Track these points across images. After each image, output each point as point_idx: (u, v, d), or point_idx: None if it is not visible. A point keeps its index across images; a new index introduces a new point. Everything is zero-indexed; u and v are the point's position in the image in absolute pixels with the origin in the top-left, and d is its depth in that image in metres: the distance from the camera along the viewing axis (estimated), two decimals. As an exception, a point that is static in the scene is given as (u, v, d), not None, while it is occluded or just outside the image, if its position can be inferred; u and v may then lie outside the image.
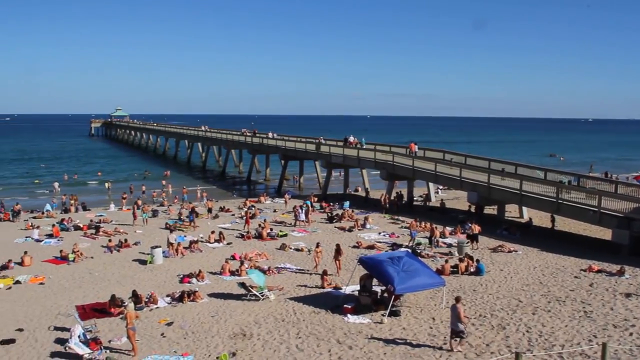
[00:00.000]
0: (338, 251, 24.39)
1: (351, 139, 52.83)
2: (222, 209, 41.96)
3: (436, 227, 30.90)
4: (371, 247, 29.27)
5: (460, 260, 24.71)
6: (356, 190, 53.35)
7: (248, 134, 70.90)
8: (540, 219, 36.24)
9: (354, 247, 29.18)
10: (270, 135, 66.47)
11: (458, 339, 15.67)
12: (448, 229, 32.36)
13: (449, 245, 29.34)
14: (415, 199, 44.69)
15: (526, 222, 35.59)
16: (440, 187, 49.62)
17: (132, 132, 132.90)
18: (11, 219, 39.35)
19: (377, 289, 20.42)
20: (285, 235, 32.77)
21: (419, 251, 27.47)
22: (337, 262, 24.26)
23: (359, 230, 33.98)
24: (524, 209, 37.47)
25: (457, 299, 16.04)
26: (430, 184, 45.19)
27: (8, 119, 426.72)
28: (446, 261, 24.97)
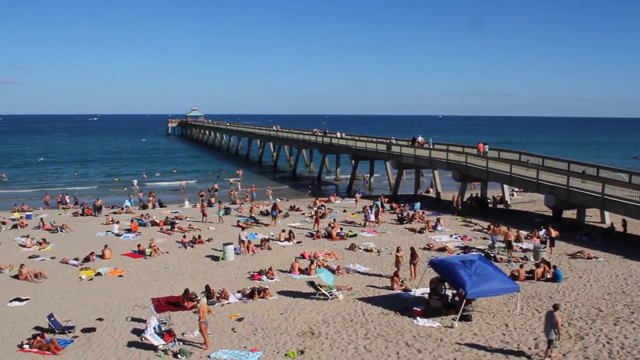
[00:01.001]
0: (413, 255, 23.62)
1: (420, 139, 52.15)
2: (292, 208, 42.38)
3: (511, 231, 30.01)
4: (442, 249, 28.75)
5: (537, 265, 23.81)
6: (427, 192, 52.59)
7: (319, 133, 71.31)
8: (617, 223, 34.42)
9: (425, 249, 28.74)
10: (338, 135, 66.58)
11: (549, 348, 15.04)
12: (523, 232, 31.32)
13: (524, 250, 28.37)
14: (489, 200, 43.55)
15: (608, 227, 33.84)
16: (516, 189, 48.10)
17: (207, 132, 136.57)
18: (93, 213, 41.38)
19: (448, 292, 20.01)
20: (355, 235, 32.71)
21: (492, 255, 26.73)
22: (412, 266, 23.54)
23: (429, 232, 33.46)
24: (606, 213, 35.68)
25: (555, 307, 15.35)
26: (505, 186, 43.90)
27: (96, 118, 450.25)
28: (521, 266, 24.11)
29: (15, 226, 36.99)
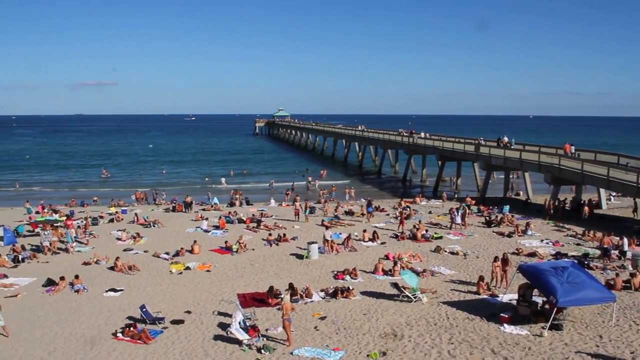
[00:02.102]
0: (505, 261, 22.43)
1: (505, 139, 50.36)
2: (376, 209, 42.10)
3: (607, 237, 28.33)
4: (532, 254, 27.56)
5: (633, 274, 22.30)
6: (517, 194, 50.66)
7: (405, 134, 70.54)
8: None
9: (514, 254, 27.62)
10: (422, 135, 65.57)
11: None
12: (615, 239, 29.39)
13: (621, 258, 26.65)
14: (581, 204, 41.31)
15: None
16: (613, 193, 45.39)
17: (293, 132, 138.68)
18: (184, 210, 43.00)
19: (538, 299, 19.13)
20: (441, 237, 32.02)
21: (586, 262, 25.31)
22: (504, 273, 22.29)
23: (519, 236, 32.18)
24: None
25: None
26: (602, 190, 41.49)
27: (193, 118, 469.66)
28: (617, 275, 22.66)
29: (112, 220, 39.13)
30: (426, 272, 24.63)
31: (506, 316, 18.28)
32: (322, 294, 21.77)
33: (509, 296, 20.28)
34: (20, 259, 27.96)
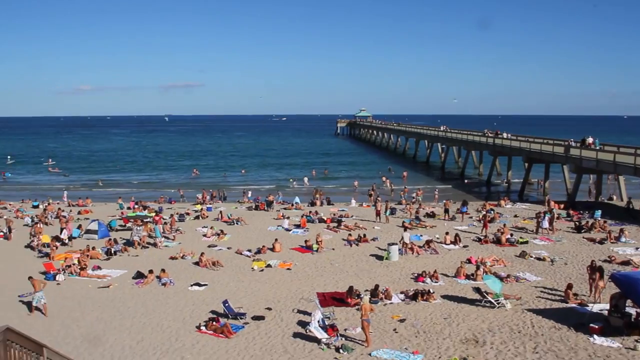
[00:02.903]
0: (596, 269, 20.97)
1: (589, 139, 47.70)
2: (459, 211, 41.15)
3: None
4: (626, 263, 25.98)
5: None
6: (610, 199, 47.97)
7: (490, 134, 68.52)
8: None
9: (605, 261, 26.14)
10: (504, 135, 63.42)
11: None
12: None
13: None
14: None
15: None
16: None
17: (374, 132, 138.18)
18: (266, 208, 43.83)
19: (631, 310, 18.00)
20: (526, 242, 30.83)
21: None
22: (592, 281, 20.91)
23: (611, 243, 30.45)
24: None
25: None
26: None
27: (285, 118, 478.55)
28: None
29: (197, 217, 40.50)
30: (510, 277, 23.80)
31: (596, 327, 17.32)
32: (402, 296, 21.52)
33: (600, 306, 19.24)
34: (112, 252, 29.51)
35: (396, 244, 28.44)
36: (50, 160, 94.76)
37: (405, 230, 31.35)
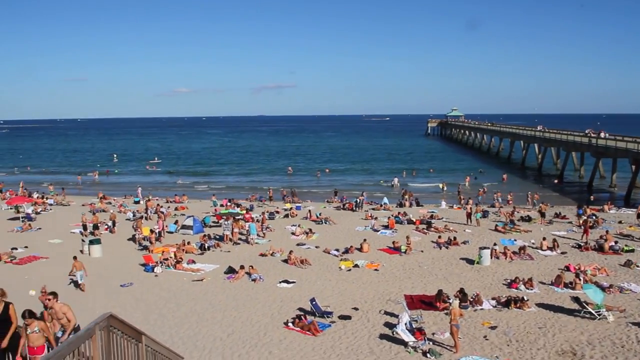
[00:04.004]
0: None
1: None
2: (557, 215, 39.22)
3: None
4: None
5: None
6: None
7: (593, 134, 64.79)
8: None
9: None
10: (602, 135, 59.66)
11: None
12: None
13: None
14: None
15: None
16: None
17: (466, 132, 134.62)
18: (354, 208, 43.79)
19: None
20: (632, 250, 28.78)
21: None
22: None
23: None
24: None
25: None
26: None
27: (387, 119, 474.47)
28: None
29: (287, 216, 41.14)
30: (613, 287, 22.32)
31: None
32: (494, 302, 20.75)
33: None
34: (206, 247, 30.57)
35: (488, 248, 27.50)
36: (156, 158, 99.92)
37: (495, 231, 30.17)
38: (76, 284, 23.82)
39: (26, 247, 31.45)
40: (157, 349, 11.85)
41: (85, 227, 35.15)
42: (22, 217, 39.88)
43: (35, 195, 50.89)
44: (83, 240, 31.33)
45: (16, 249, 30.67)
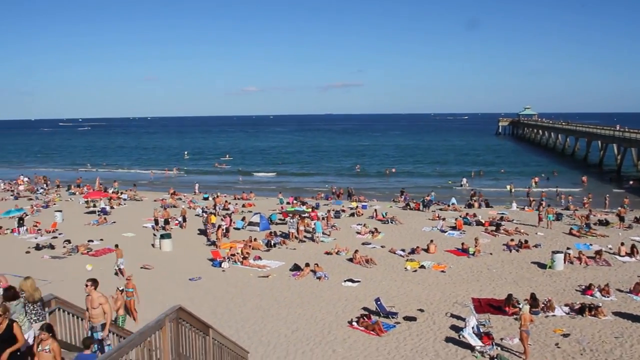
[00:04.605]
0: None
1: None
2: (637, 220, 37.19)
3: None
4: None
5: None
6: None
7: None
8: None
9: None
10: None
11: None
12: None
13: None
14: None
15: None
16: None
17: (540, 131, 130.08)
18: (421, 208, 43.16)
19: None
20: None
21: None
22: None
23: None
24: None
25: None
26: None
27: (466, 117, 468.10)
28: None
29: (352, 214, 41.06)
30: (699, 297, 20.97)
31: None
32: (566, 308, 19.94)
33: None
34: (272, 244, 30.95)
35: (561, 252, 26.45)
36: (227, 155, 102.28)
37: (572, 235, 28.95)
38: (117, 272, 25.07)
39: (101, 239, 32.87)
40: (224, 342, 12.08)
41: (156, 222, 36.38)
42: (98, 211, 41.71)
43: (110, 191, 53.12)
44: (154, 235, 32.48)
45: (92, 241, 32.10)
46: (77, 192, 54.34)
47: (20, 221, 36.35)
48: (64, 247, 30.68)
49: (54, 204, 47.44)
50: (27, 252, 30.17)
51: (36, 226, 35.83)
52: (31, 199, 50.26)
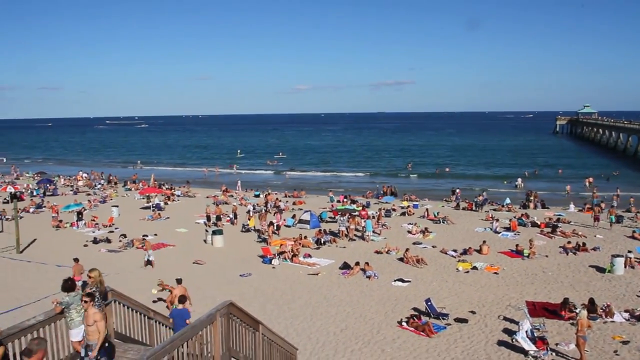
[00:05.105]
0: None
1: None
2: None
3: None
4: None
5: None
6: None
7: None
8: None
9: None
10: None
11: None
12: None
13: None
14: None
15: None
16: None
17: (600, 130, 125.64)
18: (474, 208, 42.35)
19: None
20: None
21: None
22: None
23: None
24: None
25: None
26: None
27: (530, 115, 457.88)
28: None
29: (403, 214, 40.66)
30: None
31: None
32: (626, 314, 19.14)
33: None
34: (322, 242, 30.98)
35: (622, 256, 25.42)
36: (280, 153, 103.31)
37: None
38: (146, 263, 26.68)
39: (155, 234, 33.72)
40: (273, 338, 12.14)
41: (208, 218, 37.04)
42: (152, 207, 42.80)
43: (164, 187, 54.43)
44: (206, 231, 33.06)
45: (147, 236, 32.93)
46: (133, 188, 55.99)
47: (79, 215, 37.73)
48: (120, 241, 31.64)
49: (111, 200, 48.99)
50: (85, 245, 31.25)
51: (94, 220, 37.13)
52: (89, 194, 52.06)
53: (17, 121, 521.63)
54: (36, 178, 65.42)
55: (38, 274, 25.57)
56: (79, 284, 10.48)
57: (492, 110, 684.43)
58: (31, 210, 42.84)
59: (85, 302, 8.99)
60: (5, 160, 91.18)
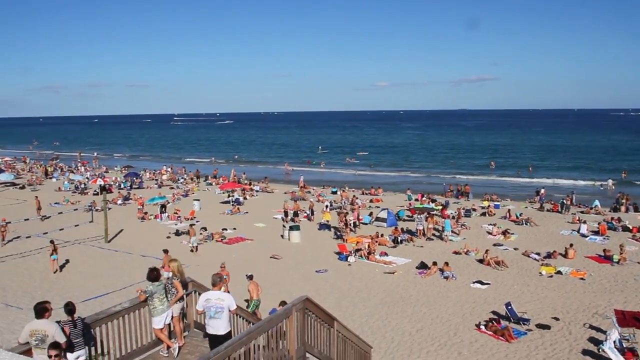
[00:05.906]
0: None
1: None
2: None
3: None
4: None
5: None
6: None
7: None
8: None
9: None
10: None
11: None
12: None
13: None
14: None
15: None
16: None
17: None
18: (560, 210, 40.53)
19: None
20: None
21: None
22: None
23: None
24: None
25: None
26: None
27: (627, 113, 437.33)
28: None
29: (484, 214, 39.52)
30: None
31: None
32: None
33: None
34: (399, 241, 30.67)
35: None
36: (362, 152, 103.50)
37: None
38: (192, 249, 28.82)
39: (234, 228, 34.56)
40: (348, 335, 12.11)
41: (286, 214, 37.55)
42: (232, 201, 43.86)
43: (244, 181, 55.72)
44: (284, 226, 33.50)
45: (226, 229, 33.82)
46: (214, 183, 57.64)
47: (163, 208, 39.31)
48: (201, 234, 32.61)
49: (193, 193, 50.66)
50: (168, 237, 32.48)
51: (176, 213, 38.55)
52: (172, 188, 54.05)
53: (109, 117, 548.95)
54: (124, 171, 68.68)
55: (124, 263, 26.85)
56: (168, 274, 10.83)
57: (581, 107, 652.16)
58: (119, 202, 44.97)
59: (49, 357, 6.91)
60: (96, 154, 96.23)
